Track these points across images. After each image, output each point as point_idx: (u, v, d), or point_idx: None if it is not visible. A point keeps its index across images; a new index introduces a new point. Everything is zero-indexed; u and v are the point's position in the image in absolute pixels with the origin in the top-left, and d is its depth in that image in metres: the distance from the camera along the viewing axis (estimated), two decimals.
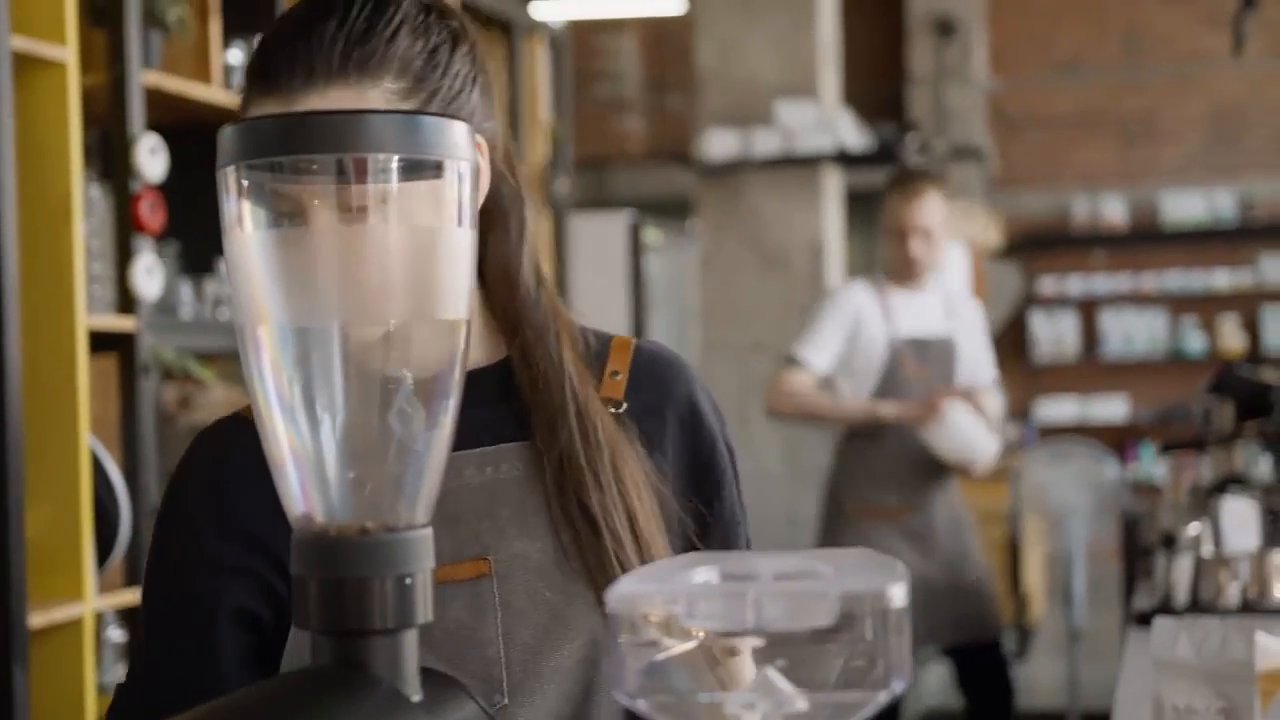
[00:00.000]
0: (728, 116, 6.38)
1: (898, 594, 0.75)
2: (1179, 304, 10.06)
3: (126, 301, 3.04)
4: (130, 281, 3.02)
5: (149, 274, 3.05)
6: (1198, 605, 2.74)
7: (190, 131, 3.23)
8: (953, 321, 4.34)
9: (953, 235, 7.44)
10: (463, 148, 0.82)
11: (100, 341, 2.96)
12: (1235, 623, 1.79)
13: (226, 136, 0.81)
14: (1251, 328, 10.00)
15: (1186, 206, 9.99)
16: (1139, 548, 4.16)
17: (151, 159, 3.05)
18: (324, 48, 1.18)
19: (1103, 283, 10.12)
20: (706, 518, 1.34)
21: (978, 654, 4.30)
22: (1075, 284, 10.14)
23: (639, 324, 8.19)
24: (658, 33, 10.46)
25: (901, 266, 4.26)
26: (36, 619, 2.70)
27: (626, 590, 0.77)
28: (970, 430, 4.12)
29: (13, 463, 2.64)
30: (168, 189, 3.11)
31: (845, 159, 6.39)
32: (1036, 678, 6.54)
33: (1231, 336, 9.92)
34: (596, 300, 7.49)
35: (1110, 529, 5.75)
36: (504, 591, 1.24)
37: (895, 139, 6.86)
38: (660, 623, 0.77)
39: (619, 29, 10.54)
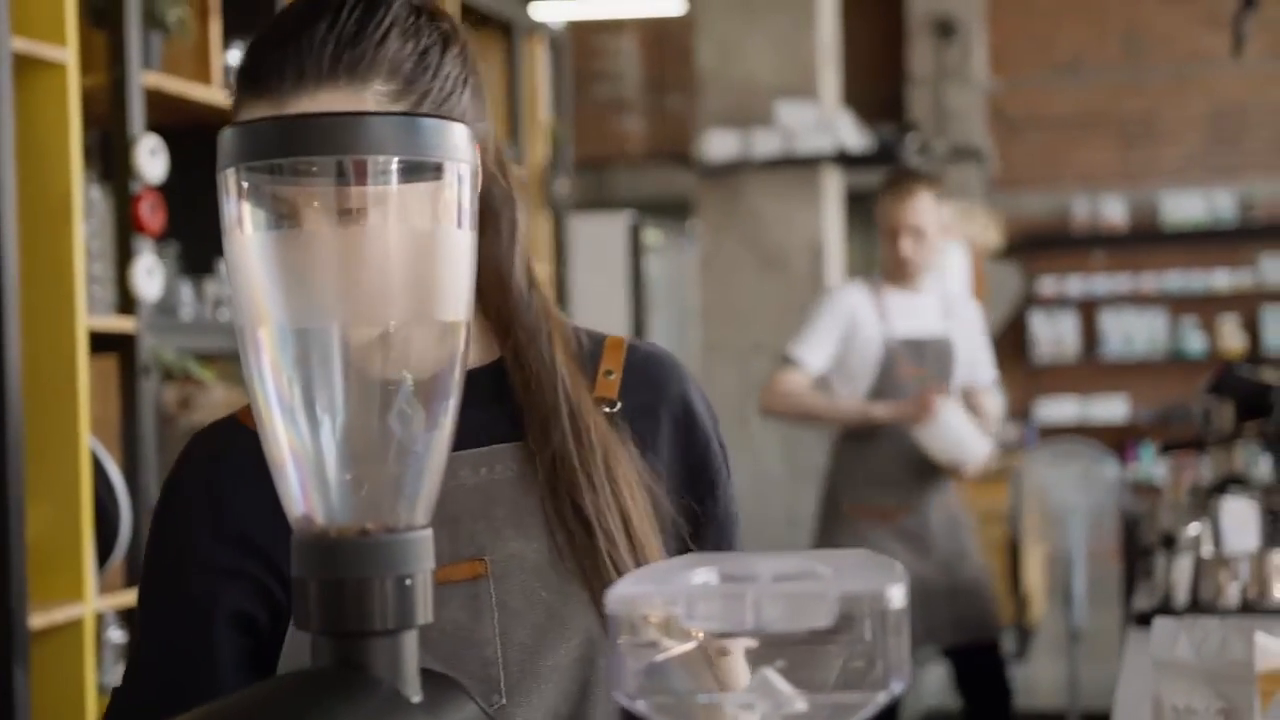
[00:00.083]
0: (728, 117, 6.38)
1: (897, 595, 0.75)
2: (1179, 304, 10.06)
3: (127, 302, 3.04)
4: (130, 282, 3.02)
5: (149, 275, 3.05)
6: (1198, 605, 2.75)
7: (190, 132, 3.23)
8: (950, 322, 4.34)
9: (952, 236, 7.44)
10: (462, 149, 0.82)
11: (100, 342, 2.96)
12: (1235, 623, 1.79)
13: (226, 139, 0.81)
14: (1251, 328, 10.00)
15: (1186, 207, 9.99)
16: (1139, 548, 4.17)
17: (152, 160, 3.05)
18: (314, 50, 1.18)
19: (1103, 283, 10.12)
20: (700, 517, 1.34)
21: (976, 655, 4.30)
22: (1075, 284, 10.14)
23: (639, 325, 8.19)
24: (658, 33, 10.46)
25: (894, 266, 4.27)
26: (37, 619, 2.70)
27: (626, 591, 0.77)
28: (962, 430, 4.11)
29: (13, 463, 2.64)
30: (168, 190, 3.11)
31: (845, 160, 6.39)
32: (1037, 678, 6.55)
33: (1231, 337, 9.92)
34: (596, 301, 7.50)
35: (1110, 529, 5.75)
36: (500, 592, 1.25)
37: (895, 140, 6.87)
38: (660, 624, 0.77)
39: (619, 29, 10.54)
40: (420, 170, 0.81)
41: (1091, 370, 10.16)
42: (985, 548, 4.61)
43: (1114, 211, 10.10)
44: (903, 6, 10.13)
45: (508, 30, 4.89)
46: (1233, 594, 2.74)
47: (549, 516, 1.27)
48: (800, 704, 0.76)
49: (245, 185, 0.81)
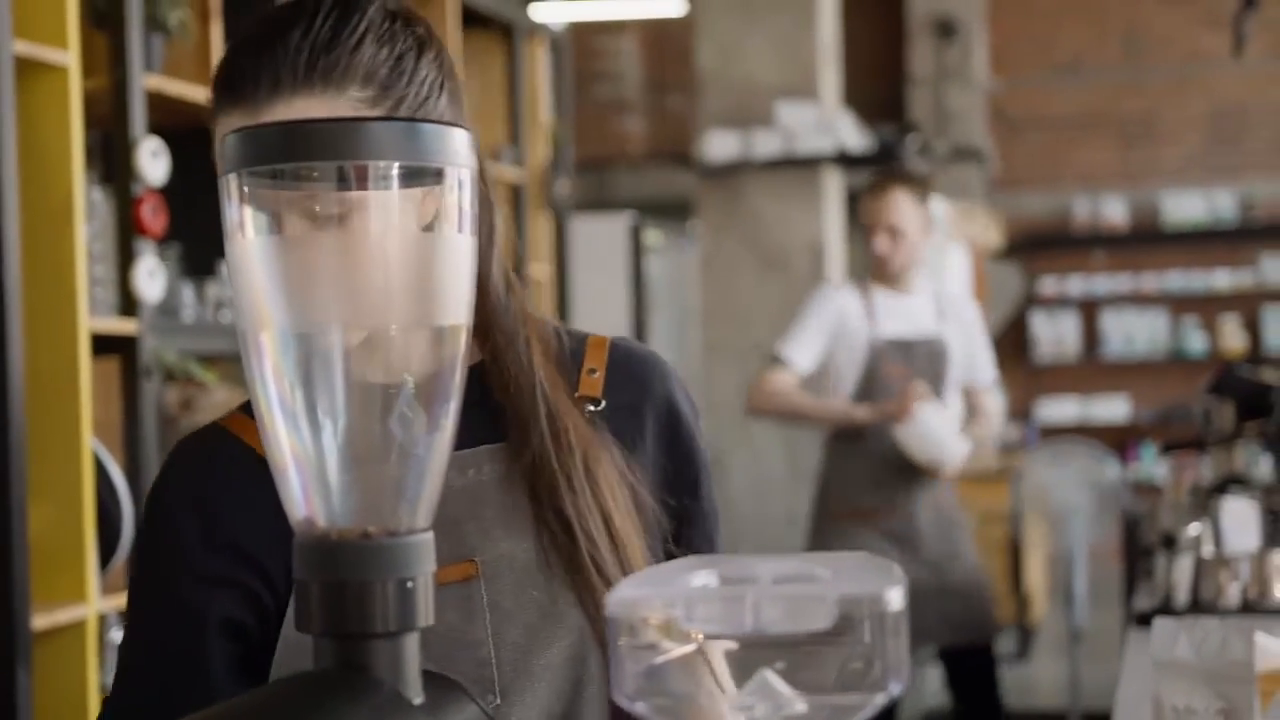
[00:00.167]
0: (728, 118, 6.38)
1: (895, 597, 0.76)
2: (1179, 304, 10.07)
3: (128, 304, 3.04)
4: (132, 284, 3.03)
5: (151, 276, 3.06)
6: (1198, 605, 2.75)
7: (192, 134, 3.21)
8: (946, 323, 4.33)
9: (953, 236, 7.45)
10: (463, 154, 0.83)
11: (102, 344, 2.97)
12: (1235, 623, 1.79)
13: (228, 144, 0.82)
14: (1252, 328, 10.00)
15: (1187, 207, 9.99)
16: (1139, 548, 4.17)
17: (153, 162, 3.05)
18: (289, 57, 1.18)
19: (1103, 283, 10.12)
20: (684, 513, 1.35)
21: (968, 656, 4.28)
22: (1076, 284, 10.14)
23: (639, 325, 8.19)
24: (658, 34, 10.47)
25: (873, 265, 4.28)
26: (39, 621, 2.70)
27: (626, 594, 0.78)
28: (940, 431, 4.10)
29: (15, 465, 2.64)
30: (169, 192, 3.11)
31: (845, 160, 6.39)
32: (1037, 678, 6.55)
33: (1232, 337, 9.93)
34: (597, 302, 7.50)
35: (1111, 529, 5.76)
36: (492, 592, 1.25)
37: (896, 140, 6.87)
38: (659, 626, 0.77)
39: (619, 30, 10.55)
40: (421, 175, 0.82)
41: (1092, 370, 10.16)
42: (986, 548, 4.61)
43: (1114, 211, 10.10)
44: (903, 7, 10.13)
45: (508, 31, 4.90)
46: (1233, 594, 2.74)
47: (535, 516, 1.27)
48: (799, 705, 0.76)
49: (247, 190, 0.81)
